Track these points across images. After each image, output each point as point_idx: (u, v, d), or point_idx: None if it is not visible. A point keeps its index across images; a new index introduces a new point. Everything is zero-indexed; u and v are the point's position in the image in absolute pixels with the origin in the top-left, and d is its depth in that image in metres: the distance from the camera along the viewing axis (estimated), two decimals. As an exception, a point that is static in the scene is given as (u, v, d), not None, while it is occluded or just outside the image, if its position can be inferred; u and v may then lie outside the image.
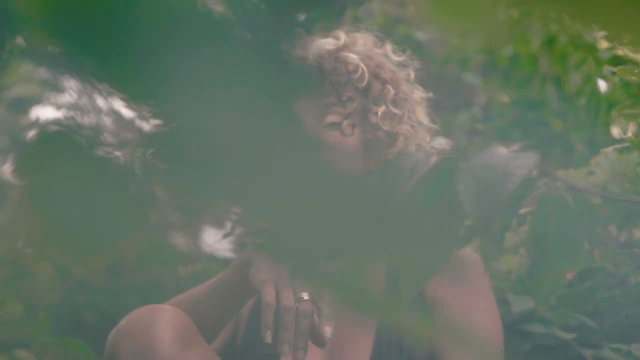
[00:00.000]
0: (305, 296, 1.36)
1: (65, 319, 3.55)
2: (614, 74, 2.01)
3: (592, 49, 2.78)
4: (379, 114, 1.62)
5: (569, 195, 1.10)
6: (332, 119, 1.60)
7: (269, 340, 1.32)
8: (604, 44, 2.67)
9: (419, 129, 1.65)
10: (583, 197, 1.10)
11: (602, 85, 2.40)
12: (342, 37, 1.66)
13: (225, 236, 1.58)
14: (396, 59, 1.69)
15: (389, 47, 1.70)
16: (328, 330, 1.36)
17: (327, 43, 1.65)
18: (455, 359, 1.50)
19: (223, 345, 1.61)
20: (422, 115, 1.67)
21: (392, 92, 1.63)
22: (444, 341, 1.53)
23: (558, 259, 1.11)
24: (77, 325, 3.64)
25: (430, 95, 1.71)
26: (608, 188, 1.94)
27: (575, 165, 2.16)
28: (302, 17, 0.47)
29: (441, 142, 3.56)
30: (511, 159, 1.02)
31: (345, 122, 1.60)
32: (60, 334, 3.25)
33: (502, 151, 1.03)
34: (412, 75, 1.69)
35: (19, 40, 0.46)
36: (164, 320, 1.37)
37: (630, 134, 1.64)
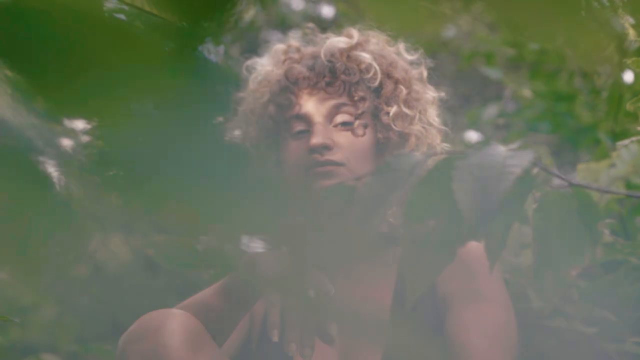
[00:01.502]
0: (311, 293, 1.37)
1: (101, 320, 3.57)
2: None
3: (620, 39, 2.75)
4: (391, 113, 1.62)
5: (571, 192, 1.09)
6: (343, 118, 1.61)
7: (275, 338, 1.33)
8: (631, 34, 2.65)
9: (430, 129, 1.65)
10: (585, 193, 1.09)
11: (629, 76, 2.38)
12: (355, 35, 1.67)
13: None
14: (408, 57, 1.69)
15: (401, 45, 1.70)
16: (333, 327, 1.37)
17: (339, 41, 1.66)
18: (469, 351, 1.50)
19: (238, 346, 1.61)
20: (433, 115, 1.67)
21: (404, 91, 1.63)
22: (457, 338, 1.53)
23: (561, 256, 1.10)
24: (113, 327, 3.66)
25: (443, 94, 1.70)
26: (630, 180, 1.93)
27: (598, 157, 2.15)
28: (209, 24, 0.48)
29: (472, 135, 3.55)
30: (508, 157, 1.01)
31: (357, 122, 1.60)
32: (95, 336, 3.27)
33: (499, 150, 1.03)
34: (425, 73, 1.69)
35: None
36: (174, 324, 1.38)
37: (644, 126, 1.63)
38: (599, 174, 1.92)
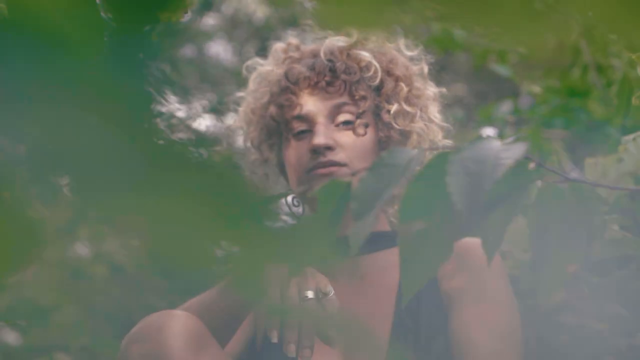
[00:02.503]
0: (310, 294, 1.37)
1: (119, 320, 3.58)
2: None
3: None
4: (392, 111, 1.62)
5: (569, 188, 1.09)
6: (344, 117, 1.60)
7: (275, 339, 1.33)
8: None
9: (431, 126, 1.65)
10: (582, 188, 1.08)
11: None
12: (354, 32, 1.66)
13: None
14: (408, 53, 1.69)
15: (401, 41, 1.69)
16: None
17: (338, 39, 1.66)
18: (473, 351, 1.49)
19: (242, 347, 1.61)
20: (434, 112, 1.67)
21: (405, 89, 1.63)
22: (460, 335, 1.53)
23: (559, 253, 1.10)
24: (131, 327, 3.65)
25: (444, 90, 1.70)
26: (639, 174, 1.92)
27: (607, 152, 2.14)
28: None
29: (488, 131, 3.54)
30: (501, 150, 1.01)
31: (358, 121, 1.60)
32: (113, 336, 3.28)
33: (494, 143, 1.03)
34: (425, 69, 1.68)
35: None
36: (176, 325, 1.38)
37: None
38: (607, 169, 1.91)
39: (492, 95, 3.95)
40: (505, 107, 3.23)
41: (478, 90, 3.98)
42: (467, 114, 3.53)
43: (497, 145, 1.03)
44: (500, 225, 1.11)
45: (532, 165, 1.09)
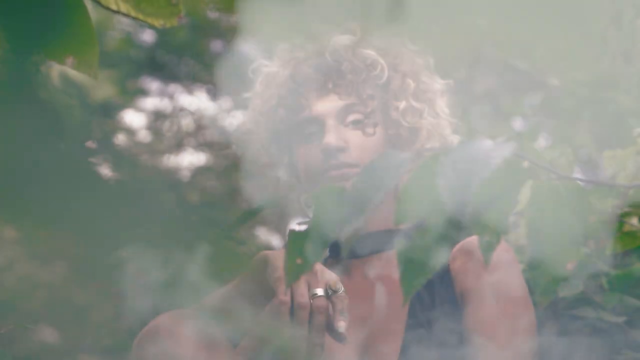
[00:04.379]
0: (319, 292, 1.38)
1: (145, 321, 3.59)
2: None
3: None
4: (400, 109, 1.61)
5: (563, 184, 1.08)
6: (353, 117, 1.61)
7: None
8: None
9: (440, 121, 1.64)
10: (577, 185, 1.08)
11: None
12: (358, 30, 1.66)
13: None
14: (413, 47, 1.68)
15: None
16: (342, 325, 1.38)
17: (343, 38, 1.65)
18: (488, 347, 1.49)
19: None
20: (442, 106, 1.66)
21: (412, 84, 1.63)
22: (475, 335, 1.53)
23: (556, 250, 1.09)
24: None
25: (451, 82, 1.69)
26: (657, 167, 1.91)
27: (627, 144, 2.12)
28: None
29: (517, 124, 3.52)
30: (492, 149, 1.01)
31: (367, 121, 1.60)
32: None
33: (484, 143, 1.03)
34: (431, 61, 1.67)
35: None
36: (187, 325, 1.39)
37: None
38: (626, 161, 1.90)
39: (522, 87, 3.93)
40: (533, 100, 3.22)
41: (508, 83, 3.96)
42: (496, 107, 3.52)
43: (488, 145, 1.03)
44: (497, 222, 1.11)
45: (525, 164, 1.09)
